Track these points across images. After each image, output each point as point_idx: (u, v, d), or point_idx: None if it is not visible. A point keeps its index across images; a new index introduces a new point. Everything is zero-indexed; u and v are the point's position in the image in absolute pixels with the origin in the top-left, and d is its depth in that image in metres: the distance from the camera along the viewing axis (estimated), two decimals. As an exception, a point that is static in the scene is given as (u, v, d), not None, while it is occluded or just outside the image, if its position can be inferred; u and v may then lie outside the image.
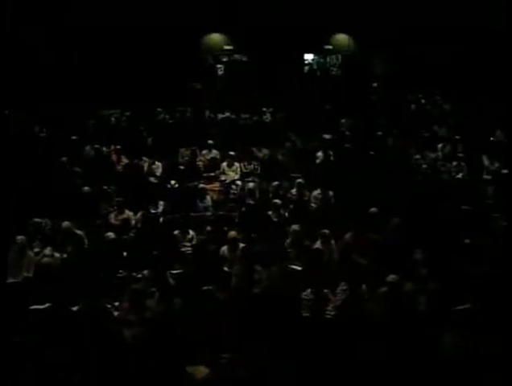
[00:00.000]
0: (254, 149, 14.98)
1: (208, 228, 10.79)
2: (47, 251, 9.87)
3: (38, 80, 18.47)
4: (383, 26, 21.09)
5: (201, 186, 12.96)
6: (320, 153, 14.55)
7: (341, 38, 23.78)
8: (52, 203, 11.32)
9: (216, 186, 13.51)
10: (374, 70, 22.83)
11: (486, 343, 7.23)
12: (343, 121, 17.31)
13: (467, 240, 10.09)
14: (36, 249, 9.97)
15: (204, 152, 14.91)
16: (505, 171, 13.41)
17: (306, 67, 24.34)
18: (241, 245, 10.08)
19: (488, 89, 18.20)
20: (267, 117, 18.24)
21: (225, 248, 10.06)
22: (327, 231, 10.14)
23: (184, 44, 21.58)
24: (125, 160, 14.25)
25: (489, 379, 6.85)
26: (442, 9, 20.42)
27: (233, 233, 10.27)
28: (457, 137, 15.36)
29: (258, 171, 14.20)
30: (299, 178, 12.89)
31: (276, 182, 12.74)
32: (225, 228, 10.94)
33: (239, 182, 13.48)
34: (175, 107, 18.25)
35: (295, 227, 10.46)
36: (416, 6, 20.63)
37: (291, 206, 12.04)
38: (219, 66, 23.74)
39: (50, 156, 13.94)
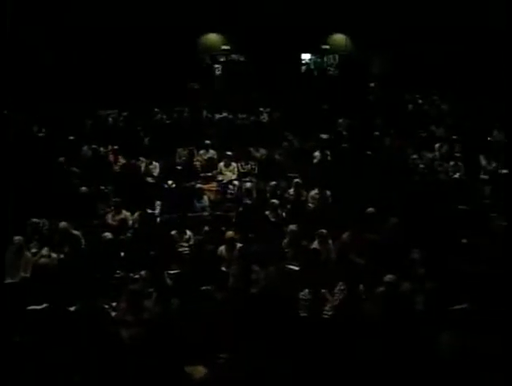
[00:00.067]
0: (252, 149, 14.98)
1: (206, 228, 10.76)
2: (45, 251, 9.86)
3: (37, 80, 18.46)
4: (380, 26, 21.10)
5: (198, 186, 12.94)
6: (317, 153, 14.55)
7: (338, 38, 23.79)
8: (49, 203, 11.31)
9: (213, 186, 13.50)
10: (371, 70, 22.85)
11: (483, 343, 7.23)
12: (340, 120, 17.33)
13: (464, 240, 10.11)
14: (33, 250, 9.96)
15: (202, 152, 14.91)
16: (504, 171, 13.41)
17: (303, 67, 24.34)
18: (239, 245, 10.08)
19: (485, 89, 18.23)
20: (264, 117, 18.25)
21: (222, 248, 10.05)
22: (324, 231, 10.13)
23: (182, 44, 21.58)
24: (122, 160, 14.23)
25: (487, 379, 6.85)
26: (439, 9, 20.44)
27: (230, 233, 10.26)
28: (454, 137, 15.37)
29: (256, 171, 14.20)
30: (296, 178, 12.90)
31: (273, 182, 12.74)
32: (223, 228, 10.92)
33: (236, 182, 13.49)
34: (173, 107, 18.25)
35: (292, 227, 10.46)
36: (413, 5, 20.65)
37: (289, 206, 12.04)
38: (216, 66, 23.74)
39: (47, 156, 13.93)
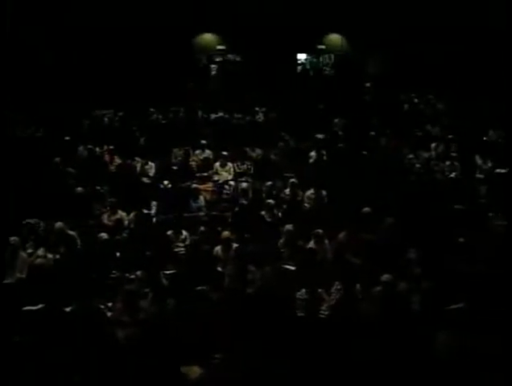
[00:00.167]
0: (247, 149, 14.97)
1: (202, 229, 10.73)
2: (40, 252, 9.85)
3: (35, 80, 18.43)
4: (376, 26, 21.12)
5: (194, 186, 12.94)
6: (313, 153, 14.54)
7: (334, 38, 23.80)
8: (45, 203, 11.28)
9: (209, 186, 13.48)
10: (367, 70, 22.84)
11: (480, 343, 7.24)
12: (336, 120, 17.32)
13: (460, 239, 10.10)
14: (29, 250, 9.94)
15: (197, 152, 14.90)
16: (501, 171, 13.43)
17: (299, 67, 24.34)
18: (235, 245, 10.07)
19: (481, 89, 18.24)
20: (260, 117, 18.24)
21: (218, 249, 10.04)
22: (320, 230, 10.13)
23: (177, 44, 21.56)
24: (117, 160, 14.21)
25: (483, 379, 6.85)
26: (436, 8, 20.46)
27: (226, 233, 10.25)
28: (450, 136, 15.38)
29: (251, 171, 14.18)
30: (292, 177, 12.89)
31: (269, 182, 12.75)
32: (219, 228, 10.94)
33: (232, 182, 13.48)
34: (168, 107, 18.22)
35: (288, 227, 10.46)
36: (410, 5, 20.66)
37: (285, 206, 12.04)
38: (213, 66, 23.72)
39: (43, 156, 13.90)
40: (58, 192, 11.98)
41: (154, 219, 11.84)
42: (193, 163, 14.42)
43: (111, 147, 14.60)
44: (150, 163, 14.01)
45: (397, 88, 20.15)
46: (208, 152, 14.81)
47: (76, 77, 19.40)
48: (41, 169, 13.22)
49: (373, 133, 16.00)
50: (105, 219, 11.43)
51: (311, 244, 9.98)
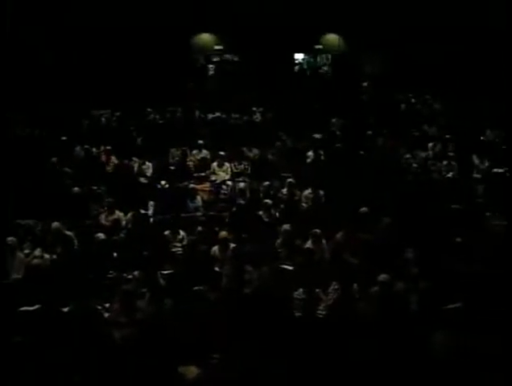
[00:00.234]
0: (245, 149, 14.98)
1: (199, 229, 10.74)
2: (37, 252, 9.84)
3: (35, 80, 18.42)
4: (373, 26, 21.09)
5: (192, 186, 12.94)
6: (310, 153, 14.55)
7: (331, 37, 23.76)
8: (42, 203, 11.28)
9: (206, 186, 13.49)
10: (364, 69, 22.82)
11: (477, 342, 7.23)
12: (333, 120, 17.33)
13: (458, 239, 10.11)
14: (26, 250, 9.92)
15: (195, 152, 14.90)
16: (500, 171, 13.45)
17: (296, 67, 24.33)
18: (232, 245, 10.07)
19: (478, 89, 18.25)
20: (257, 117, 18.24)
21: (215, 249, 10.04)
22: (318, 230, 10.13)
23: (175, 44, 21.53)
24: (115, 160, 14.20)
25: (481, 378, 6.85)
26: (432, 8, 20.45)
27: (223, 233, 10.25)
28: (447, 136, 15.40)
29: (249, 171, 14.20)
30: (289, 177, 12.90)
31: (267, 182, 12.75)
32: (216, 228, 10.92)
33: (230, 182, 13.50)
34: (166, 107, 18.21)
35: (285, 226, 10.46)
36: (407, 5, 20.66)
37: (282, 206, 12.05)
38: (211, 66, 23.71)
39: (40, 156, 13.88)
40: (55, 192, 11.97)
41: (151, 220, 11.84)
42: (190, 163, 14.43)
43: (108, 147, 14.58)
44: (147, 163, 14.02)
45: (394, 87, 20.16)
46: (205, 152, 14.81)
47: (75, 77, 19.38)
48: (38, 169, 13.21)
49: (370, 132, 16.00)
50: (103, 219, 11.43)
51: (309, 244, 9.98)
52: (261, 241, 10.32)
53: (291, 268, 9.62)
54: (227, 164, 14.12)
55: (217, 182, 13.61)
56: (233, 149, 14.84)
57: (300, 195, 12.43)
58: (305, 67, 24.39)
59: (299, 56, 24.29)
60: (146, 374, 7.00)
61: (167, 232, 10.65)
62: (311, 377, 7.06)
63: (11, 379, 6.97)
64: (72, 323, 7.79)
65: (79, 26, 20.46)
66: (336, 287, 8.62)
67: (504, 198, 11.24)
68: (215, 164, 14.10)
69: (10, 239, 9.58)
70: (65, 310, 8.18)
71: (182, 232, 10.74)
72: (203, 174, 14.02)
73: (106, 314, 8.33)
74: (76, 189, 12.08)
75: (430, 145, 15.21)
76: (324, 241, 10.17)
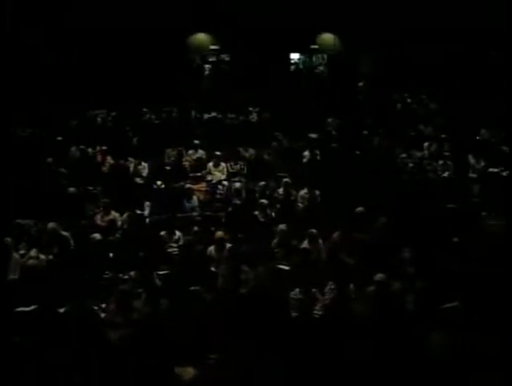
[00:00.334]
0: (241, 149, 14.96)
1: (195, 229, 10.73)
2: (33, 253, 9.78)
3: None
4: (369, 25, 21.12)
5: (188, 186, 12.93)
6: (306, 153, 14.55)
7: (327, 37, 23.80)
8: (38, 204, 11.25)
9: (202, 186, 13.47)
10: (360, 69, 22.85)
11: (474, 342, 7.25)
12: (329, 120, 17.32)
13: (454, 239, 10.12)
14: (22, 251, 9.88)
15: (191, 152, 14.88)
16: (495, 170, 13.48)
17: (292, 67, 24.34)
18: (228, 245, 10.06)
19: (473, 88, 18.27)
20: (253, 117, 18.23)
21: (211, 249, 10.03)
22: (314, 230, 10.13)
23: (170, 44, 21.52)
24: (110, 160, 14.17)
25: (478, 378, 6.86)
26: (429, 8, 20.48)
27: (219, 233, 10.25)
28: (443, 136, 15.41)
29: (245, 171, 14.18)
30: (285, 177, 12.90)
31: (263, 182, 12.74)
32: (212, 229, 10.93)
33: (225, 182, 13.48)
34: (162, 107, 18.18)
35: (281, 226, 10.46)
36: (402, 5, 20.68)
37: (278, 205, 12.04)
38: (207, 66, 23.70)
39: (35, 157, 13.85)
40: (51, 193, 11.94)
41: (147, 220, 11.82)
42: (186, 163, 14.40)
43: (104, 147, 14.55)
44: (143, 163, 13.98)
45: (390, 87, 20.16)
46: (201, 152, 14.80)
47: (71, 77, 19.36)
48: (34, 169, 13.18)
49: (366, 132, 16.01)
50: (98, 219, 11.40)
51: (305, 244, 9.98)
52: (257, 241, 10.32)
53: (287, 268, 9.62)
54: (223, 164, 14.11)
55: (213, 182, 13.59)
56: (229, 149, 14.82)
57: (296, 195, 12.43)
58: (301, 66, 24.40)
59: (294, 56, 24.31)
60: (143, 375, 6.99)
61: (163, 233, 10.63)
62: (307, 377, 7.07)
63: (8, 379, 6.96)
64: (69, 324, 7.77)
65: (79, 26, 20.45)
66: (332, 287, 8.61)
67: (502, 197, 11.27)
68: (211, 164, 14.08)
69: (5, 239, 9.56)
70: (61, 310, 8.17)
71: (178, 233, 10.72)
72: (199, 174, 13.99)
73: (102, 315, 8.31)
74: (71, 189, 12.07)
75: (426, 144, 15.21)
76: (320, 241, 10.16)
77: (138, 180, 13.56)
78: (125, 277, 9.03)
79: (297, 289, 8.57)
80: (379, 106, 18.58)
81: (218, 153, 14.32)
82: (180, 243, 10.57)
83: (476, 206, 11.89)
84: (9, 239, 9.63)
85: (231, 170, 14.16)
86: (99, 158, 14.37)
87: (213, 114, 18.22)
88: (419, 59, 20.93)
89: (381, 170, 13.35)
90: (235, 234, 10.66)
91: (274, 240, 10.36)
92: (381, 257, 9.31)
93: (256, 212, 11.56)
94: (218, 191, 13.25)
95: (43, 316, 7.95)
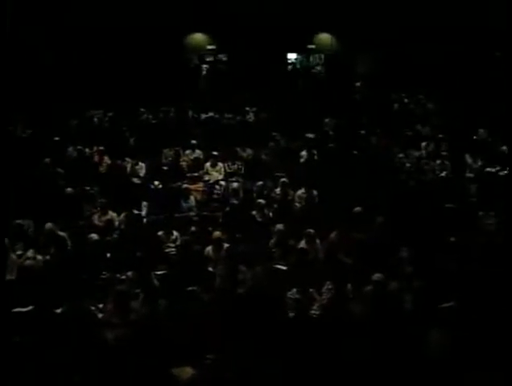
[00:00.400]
0: (238, 149, 14.94)
1: (193, 229, 10.74)
2: (30, 253, 9.77)
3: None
4: (366, 25, 21.12)
5: (185, 186, 12.91)
6: (303, 153, 14.54)
7: (324, 37, 23.79)
8: (35, 204, 11.24)
9: (199, 186, 13.45)
10: (357, 69, 22.85)
11: (471, 341, 7.24)
12: (326, 120, 17.32)
13: (451, 238, 10.12)
14: (18, 252, 9.87)
15: (188, 152, 14.86)
16: (492, 170, 13.49)
17: (289, 67, 24.33)
18: (226, 245, 10.06)
19: (471, 88, 18.29)
20: (251, 117, 18.22)
21: (209, 249, 10.02)
22: (312, 230, 10.13)
23: (167, 44, 21.51)
24: (107, 161, 14.16)
25: (475, 377, 6.86)
26: (426, 8, 20.50)
27: (217, 233, 10.24)
28: (440, 135, 15.41)
29: (242, 171, 14.17)
30: (283, 177, 12.88)
31: (260, 182, 12.75)
32: (210, 229, 10.92)
33: (223, 182, 13.48)
34: (159, 107, 18.16)
35: (279, 226, 10.47)
36: (399, 5, 20.69)
37: (276, 205, 12.04)
38: (205, 66, 23.69)
39: (32, 157, 13.83)
40: (48, 193, 11.93)
41: (144, 220, 11.81)
42: (184, 163, 14.40)
43: (101, 148, 14.54)
44: (140, 164, 13.98)
45: (387, 87, 20.17)
46: (198, 152, 14.78)
47: (70, 77, 19.36)
48: (31, 169, 13.16)
49: (363, 132, 16.01)
50: (96, 219, 11.39)
51: (303, 244, 9.98)
52: (254, 241, 10.32)
53: (284, 268, 9.63)
54: (220, 164, 14.10)
55: (211, 182, 13.58)
56: (227, 149, 14.81)
57: (294, 195, 12.43)
58: (298, 66, 24.41)
59: (292, 56, 24.31)
60: (141, 375, 6.99)
61: (160, 233, 10.63)
62: (305, 377, 7.06)
63: (6, 379, 6.95)
64: (66, 324, 7.76)
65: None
66: (329, 287, 8.61)
67: (500, 197, 11.28)
68: (208, 164, 14.07)
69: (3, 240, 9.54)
70: (58, 311, 8.16)
71: (175, 233, 10.72)
72: (196, 174, 13.97)
73: (100, 315, 8.30)
74: (69, 189, 12.05)
75: (423, 144, 15.22)
76: (318, 241, 10.17)
77: (136, 180, 13.54)
78: (123, 277, 9.03)
79: (294, 289, 8.57)
80: (376, 106, 18.59)
81: (215, 153, 14.30)
82: (178, 243, 10.56)
83: (473, 205, 11.89)
84: (6, 239, 9.62)
85: (228, 170, 14.15)
86: (96, 158, 14.35)
87: (210, 114, 18.21)
88: (417, 59, 20.95)
89: (379, 170, 13.36)
90: (232, 234, 10.66)
91: (272, 240, 10.37)
92: (378, 257, 9.32)
93: (253, 212, 11.57)
94: (215, 191, 13.24)
95: (40, 316, 7.94)
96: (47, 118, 16.63)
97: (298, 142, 15.41)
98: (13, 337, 7.57)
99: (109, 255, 10.00)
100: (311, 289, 8.62)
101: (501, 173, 13.33)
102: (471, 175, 13.67)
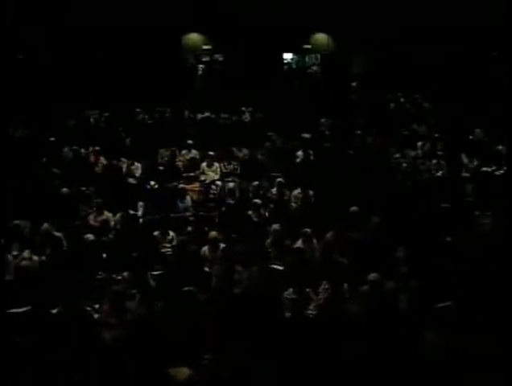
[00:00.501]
0: (234, 148, 14.94)
1: (189, 229, 10.73)
2: (26, 254, 9.76)
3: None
4: (362, 25, 21.14)
5: (181, 186, 12.91)
6: (299, 153, 14.53)
7: (320, 37, 23.79)
8: (31, 204, 11.22)
9: (196, 186, 13.45)
10: (353, 69, 22.85)
11: (467, 341, 7.25)
12: (322, 120, 17.30)
13: (447, 238, 10.13)
14: (14, 252, 9.85)
15: (184, 152, 14.86)
16: (488, 169, 13.50)
17: (285, 67, 24.32)
18: (222, 245, 10.05)
19: (467, 87, 18.31)
20: (247, 117, 18.20)
21: (205, 249, 10.02)
22: (308, 230, 10.13)
23: (163, 44, 21.49)
24: (103, 161, 14.14)
25: (471, 377, 6.87)
26: (422, 8, 20.51)
27: (213, 233, 10.24)
28: (436, 135, 15.42)
29: (238, 171, 14.16)
30: (279, 177, 12.89)
31: (256, 182, 12.74)
32: (206, 229, 10.93)
33: (219, 182, 13.46)
34: (155, 107, 18.14)
35: (275, 226, 10.46)
36: (395, 5, 20.70)
37: (272, 205, 12.04)
38: (201, 66, 23.67)
39: (28, 157, 13.81)
40: (43, 193, 11.91)
41: (140, 220, 11.81)
42: (180, 163, 14.39)
43: (97, 148, 14.51)
44: (136, 164, 13.95)
45: (383, 87, 20.16)
46: (194, 152, 14.77)
47: (68, 77, 19.34)
48: (27, 170, 13.14)
49: (359, 132, 16.00)
50: (91, 220, 11.38)
51: (299, 244, 9.98)
52: (250, 241, 10.32)
53: (280, 268, 9.62)
54: (216, 164, 14.09)
55: (207, 182, 13.57)
56: (223, 149, 14.80)
57: (290, 195, 12.42)
58: (294, 66, 24.40)
59: (287, 56, 24.30)
60: (138, 375, 6.98)
61: (156, 233, 10.63)
62: (301, 377, 7.06)
63: (1, 380, 6.94)
64: (62, 325, 7.75)
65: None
66: (326, 287, 8.61)
67: (496, 197, 11.29)
68: (204, 164, 14.06)
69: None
70: (54, 311, 8.15)
71: (171, 233, 10.71)
72: (192, 174, 13.96)
73: (96, 316, 8.29)
74: (64, 190, 12.04)
75: (419, 144, 15.21)
76: (314, 241, 10.17)
77: (131, 180, 13.52)
78: (119, 277, 9.02)
79: (291, 289, 8.56)
80: (372, 106, 18.58)
81: (211, 153, 14.30)
82: (174, 243, 10.56)
83: (469, 205, 11.89)
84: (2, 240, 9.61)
85: (224, 170, 14.14)
86: (92, 158, 14.33)
87: (207, 114, 18.17)
88: (413, 59, 20.96)
89: (375, 170, 13.35)
90: (229, 234, 10.66)
91: (268, 240, 10.36)
92: (374, 257, 9.32)
93: (249, 212, 11.56)
94: (212, 191, 13.24)
95: (36, 317, 7.93)
96: (44, 118, 16.60)
97: (294, 142, 15.40)
98: (9, 337, 7.56)
99: (105, 255, 9.99)
100: (307, 289, 8.61)
101: (497, 172, 13.34)
102: (467, 175, 13.66)
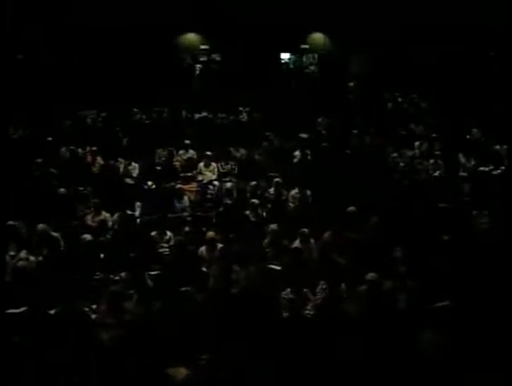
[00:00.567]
0: (231, 148, 14.93)
1: (186, 229, 10.73)
2: (23, 254, 9.73)
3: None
4: (360, 25, 21.13)
5: (178, 186, 12.90)
6: (297, 153, 14.54)
7: (318, 37, 23.77)
8: (28, 205, 11.19)
9: (193, 186, 13.44)
10: (351, 69, 22.85)
11: (465, 341, 7.25)
12: (320, 120, 17.31)
13: (445, 238, 10.13)
14: (11, 253, 9.82)
15: (181, 152, 14.84)
16: (486, 169, 13.52)
17: (282, 67, 24.31)
18: (219, 245, 10.04)
19: (464, 87, 18.32)
20: (244, 117, 18.20)
21: (203, 249, 10.01)
22: (306, 230, 10.12)
23: (161, 44, 21.48)
24: (100, 161, 14.13)
25: (469, 377, 6.86)
26: (419, 8, 20.51)
27: (211, 233, 10.23)
28: (434, 135, 15.43)
29: (236, 171, 14.17)
30: (276, 177, 12.88)
31: (254, 182, 12.73)
32: (203, 229, 10.91)
33: (216, 183, 13.48)
34: (152, 107, 18.12)
35: (273, 226, 10.46)
36: (392, 5, 20.70)
37: (269, 205, 12.04)
38: (198, 66, 23.66)
39: (25, 157, 13.78)
40: (41, 193, 11.89)
41: (138, 220, 11.79)
42: (177, 163, 14.38)
43: (94, 148, 14.50)
44: (133, 164, 13.95)
45: (380, 87, 20.17)
46: (191, 152, 14.76)
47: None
48: (23, 170, 13.12)
49: (356, 132, 16.00)
50: (89, 220, 11.37)
51: (297, 244, 9.97)
52: (248, 241, 10.31)
53: (278, 267, 9.61)
54: (214, 164, 14.09)
55: (204, 182, 13.57)
56: (220, 149, 14.80)
57: (287, 195, 12.42)
58: (291, 66, 24.40)
59: (285, 56, 24.29)
60: (135, 375, 6.96)
61: (153, 233, 10.62)
62: (299, 377, 7.05)
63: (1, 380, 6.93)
64: (59, 325, 7.73)
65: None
66: (324, 286, 8.61)
67: (493, 196, 11.30)
68: (202, 164, 14.06)
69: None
70: (52, 312, 8.13)
71: (169, 233, 10.70)
72: (189, 174, 13.95)
73: (93, 316, 8.28)
74: (62, 190, 12.03)
75: (416, 143, 15.23)
76: (312, 241, 10.16)
77: (129, 180, 13.52)
78: (117, 277, 9.01)
79: (288, 289, 8.56)
80: (370, 105, 18.58)
81: (209, 153, 14.30)
82: (171, 243, 10.55)
83: (466, 205, 11.90)
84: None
85: (222, 170, 14.14)
86: (89, 158, 14.32)
87: (204, 114, 18.17)
88: (410, 59, 20.97)
89: (373, 170, 13.36)
90: (226, 234, 10.65)
91: (266, 240, 10.36)
92: (372, 257, 9.32)
93: (247, 212, 11.56)
94: (209, 191, 13.24)
95: (34, 318, 7.91)
96: (41, 118, 16.57)
97: (291, 142, 15.41)
98: (7, 338, 7.54)
99: (102, 255, 9.97)
100: (305, 289, 8.61)
101: (494, 172, 13.37)
102: (464, 174, 13.68)
